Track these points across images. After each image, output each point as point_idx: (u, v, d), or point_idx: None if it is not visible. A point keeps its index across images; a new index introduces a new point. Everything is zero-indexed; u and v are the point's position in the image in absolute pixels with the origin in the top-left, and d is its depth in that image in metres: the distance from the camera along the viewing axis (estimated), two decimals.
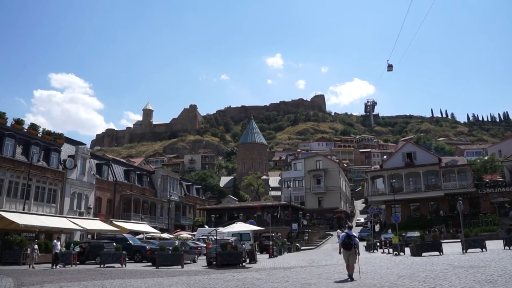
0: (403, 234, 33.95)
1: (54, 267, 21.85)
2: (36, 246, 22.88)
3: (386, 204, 51.33)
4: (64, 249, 25.72)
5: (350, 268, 12.36)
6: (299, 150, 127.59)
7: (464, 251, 22.24)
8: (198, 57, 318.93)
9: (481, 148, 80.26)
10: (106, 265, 22.23)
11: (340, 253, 12.83)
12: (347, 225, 14.52)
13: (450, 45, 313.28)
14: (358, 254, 12.56)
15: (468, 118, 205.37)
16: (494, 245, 24.38)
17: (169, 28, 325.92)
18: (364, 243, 33.74)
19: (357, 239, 12.58)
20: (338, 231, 51.09)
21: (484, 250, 21.87)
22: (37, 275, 17.17)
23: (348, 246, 12.39)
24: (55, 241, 23.53)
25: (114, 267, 21.93)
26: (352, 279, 12.02)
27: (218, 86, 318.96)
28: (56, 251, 22.51)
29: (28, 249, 23.03)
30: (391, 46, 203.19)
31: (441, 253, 21.84)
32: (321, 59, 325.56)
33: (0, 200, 29.66)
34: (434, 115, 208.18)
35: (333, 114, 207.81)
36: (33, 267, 21.72)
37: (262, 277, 14.54)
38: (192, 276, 16.07)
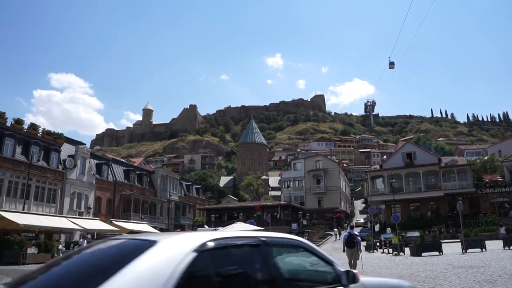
0: (403, 234, 33.96)
1: None
2: (60, 247, 22.86)
3: (386, 204, 51.32)
4: (64, 249, 25.71)
5: (352, 266, 12.97)
6: (299, 150, 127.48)
7: (464, 251, 22.25)
8: (198, 57, 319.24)
9: (481, 148, 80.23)
10: None
11: (344, 251, 14.04)
12: (349, 225, 15.61)
13: (450, 45, 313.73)
14: (360, 251, 13.63)
15: (468, 118, 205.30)
16: (494, 245, 24.39)
17: (169, 28, 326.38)
18: (364, 243, 33.74)
19: (359, 238, 13.84)
20: (335, 229, 51.41)
21: (484, 250, 21.88)
22: None
23: (351, 245, 13.44)
24: (81, 240, 23.43)
25: None
26: None
27: (218, 86, 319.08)
28: None
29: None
30: (391, 46, 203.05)
31: (441, 253, 21.85)
32: (321, 59, 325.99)
33: (0, 200, 29.67)
34: (434, 115, 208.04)
35: (333, 114, 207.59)
36: None
37: None
38: None
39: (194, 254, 2.56)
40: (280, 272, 3.01)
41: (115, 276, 2.26)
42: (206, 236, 2.81)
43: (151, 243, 2.62)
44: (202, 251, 2.63)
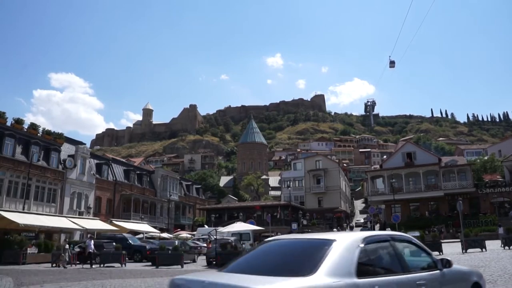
0: None
1: (90, 266, 21.67)
2: (67, 246, 22.79)
3: (386, 204, 51.28)
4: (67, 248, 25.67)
5: None
6: (299, 150, 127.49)
7: (464, 251, 22.25)
8: (198, 57, 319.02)
9: (481, 148, 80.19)
10: (106, 265, 22.22)
11: None
12: (349, 226, 15.20)
13: (450, 45, 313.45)
14: None
15: (468, 118, 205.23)
16: (494, 245, 24.39)
17: (169, 28, 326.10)
18: None
19: None
20: (335, 229, 51.51)
21: (484, 250, 21.88)
22: (36, 274, 17.17)
23: None
24: (88, 240, 23.35)
25: (114, 267, 21.92)
26: None
27: (218, 86, 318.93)
28: (90, 250, 22.29)
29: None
30: (391, 46, 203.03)
31: (440, 253, 21.83)
32: (321, 59, 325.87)
33: (0, 199, 29.67)
34: (434, 115, 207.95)
35: (333, 114, 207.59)
36: (64, 267, 21.56)
37: None
38: None
39: (360, 247, 3.84)
40: (404, 259, 4.37)
41: (325, 259, 3.51)
42: (362, 235, 4.11)
43: (331, 241, 3.82)
44: (362, 245, 3.91)
